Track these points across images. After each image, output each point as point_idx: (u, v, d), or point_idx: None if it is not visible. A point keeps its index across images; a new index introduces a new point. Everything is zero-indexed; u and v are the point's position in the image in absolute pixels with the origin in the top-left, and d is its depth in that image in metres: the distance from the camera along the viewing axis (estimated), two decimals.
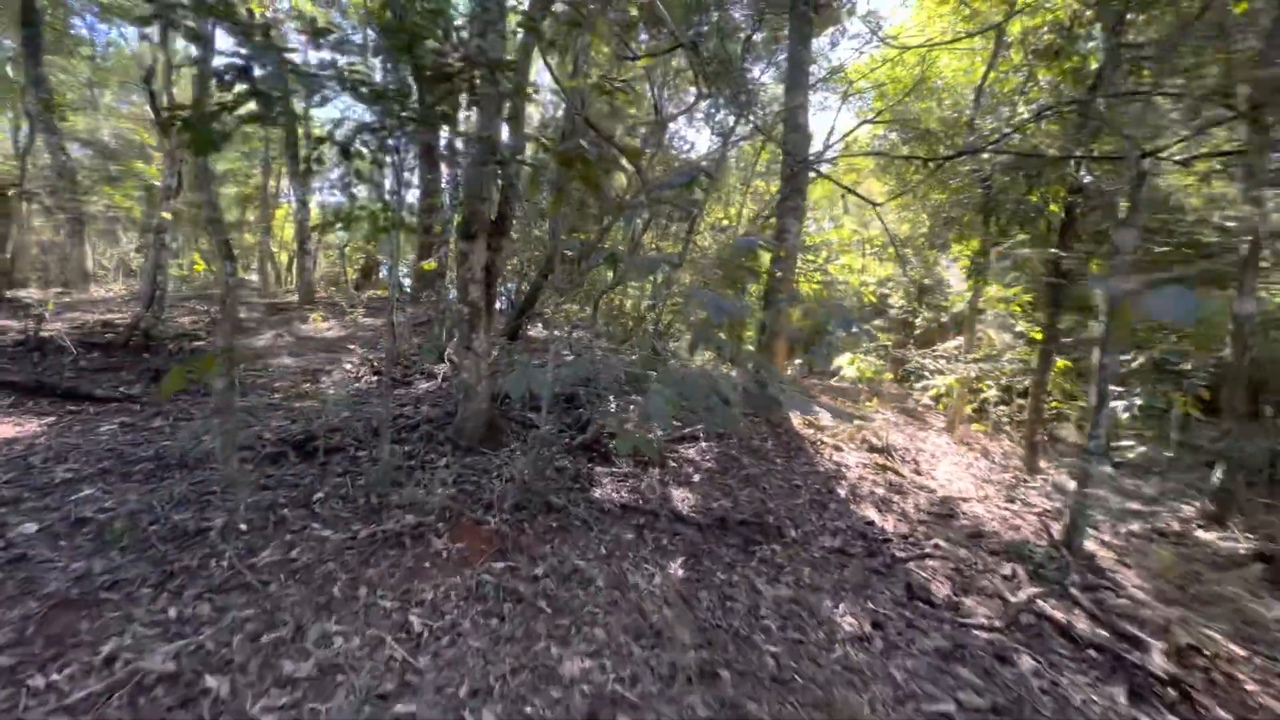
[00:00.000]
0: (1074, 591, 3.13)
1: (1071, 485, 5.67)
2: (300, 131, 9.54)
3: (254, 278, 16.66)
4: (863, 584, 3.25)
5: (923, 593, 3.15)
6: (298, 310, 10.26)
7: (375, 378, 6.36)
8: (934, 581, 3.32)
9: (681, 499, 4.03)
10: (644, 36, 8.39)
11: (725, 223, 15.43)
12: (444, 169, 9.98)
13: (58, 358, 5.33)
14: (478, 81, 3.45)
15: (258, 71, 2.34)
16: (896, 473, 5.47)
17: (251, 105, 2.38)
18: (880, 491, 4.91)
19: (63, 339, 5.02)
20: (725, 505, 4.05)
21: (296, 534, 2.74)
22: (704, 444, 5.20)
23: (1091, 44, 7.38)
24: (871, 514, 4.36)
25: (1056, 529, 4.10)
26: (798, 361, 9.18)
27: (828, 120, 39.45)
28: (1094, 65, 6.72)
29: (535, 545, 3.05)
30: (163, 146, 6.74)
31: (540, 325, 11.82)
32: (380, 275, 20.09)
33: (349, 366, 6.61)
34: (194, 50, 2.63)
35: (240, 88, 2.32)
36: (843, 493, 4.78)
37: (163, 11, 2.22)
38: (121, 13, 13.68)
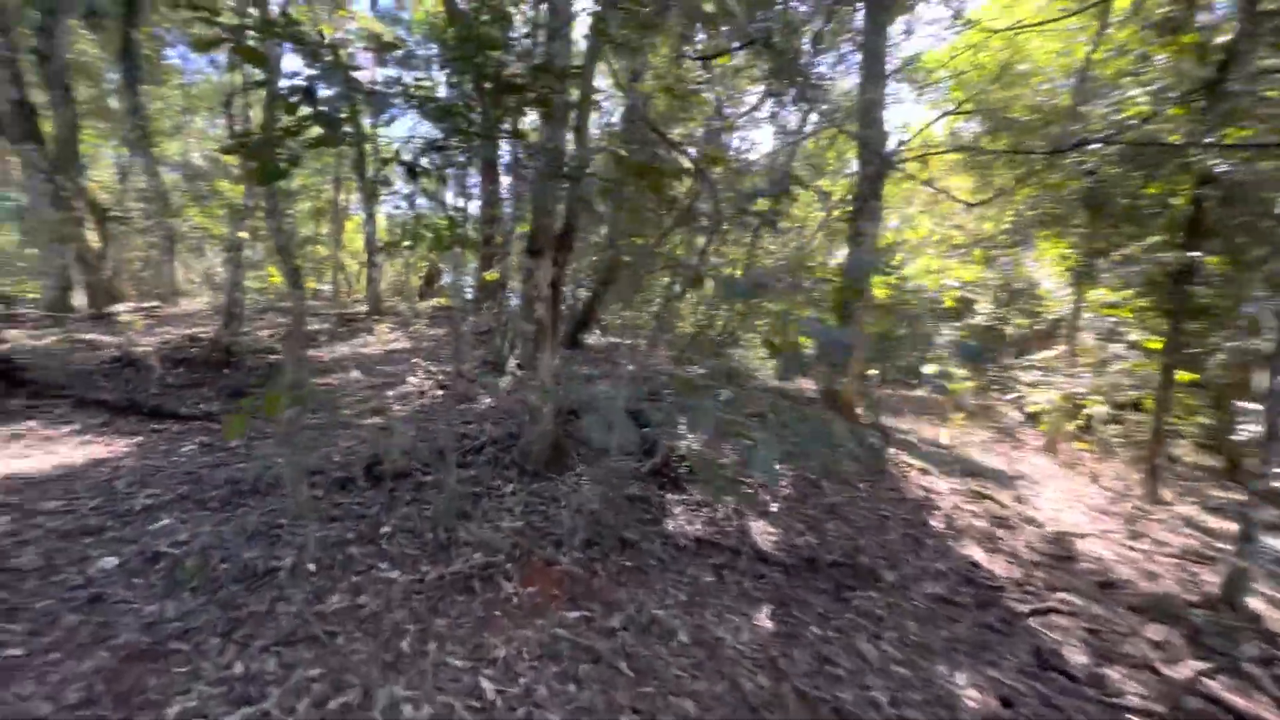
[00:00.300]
0: (1249, 667, 2.61)
1: (1210, 521, 4.97)
2: (368, 149, 9.80)
3: (326, 288, 17.41)
4: (980, 644, 2.84)
5: (1056, 660, 2.72)
6: (365, 321, 10.55)
7: (440, 392, 6.34)
8: (1066, 646, 2.87)
9: (762, 533, 3.71)
10: (701, 35, 8.10)
11: (790, 225, 14.88)
12: (504, 180, 10.00)
13: (147, 374, 5.55)
14: (546, 91, 3.27)
15: (323, 92, 2.21)
16: (996, 501, 4.93)
17: (317, 129, 2.26)
18: (981, 525, 4.41)
19: (149, 359, 5.22)
20: (810, 541, 3.69)
21: (364, 575, 2.61)
22: (778, 466, 4.84)
23: (1216, 15, 6.53)
24: (976, 553, 3.89)
25: (1208, 579, 3.52)
26: (872, 371, 8.63)
27: (901, 113, 37.75)
28: (1223, 40, 5.91)
29: (610, 589, 2.82)
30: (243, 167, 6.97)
31: (598, 332, 11.70)
32: (443, 283, 20.67)
33: (414, 380, 6.64)
34: (260, 74, 2.56)
35: (305, 111, 2.20)
36: (938, 525, 4.32)
37: (230, 35, 2.12)
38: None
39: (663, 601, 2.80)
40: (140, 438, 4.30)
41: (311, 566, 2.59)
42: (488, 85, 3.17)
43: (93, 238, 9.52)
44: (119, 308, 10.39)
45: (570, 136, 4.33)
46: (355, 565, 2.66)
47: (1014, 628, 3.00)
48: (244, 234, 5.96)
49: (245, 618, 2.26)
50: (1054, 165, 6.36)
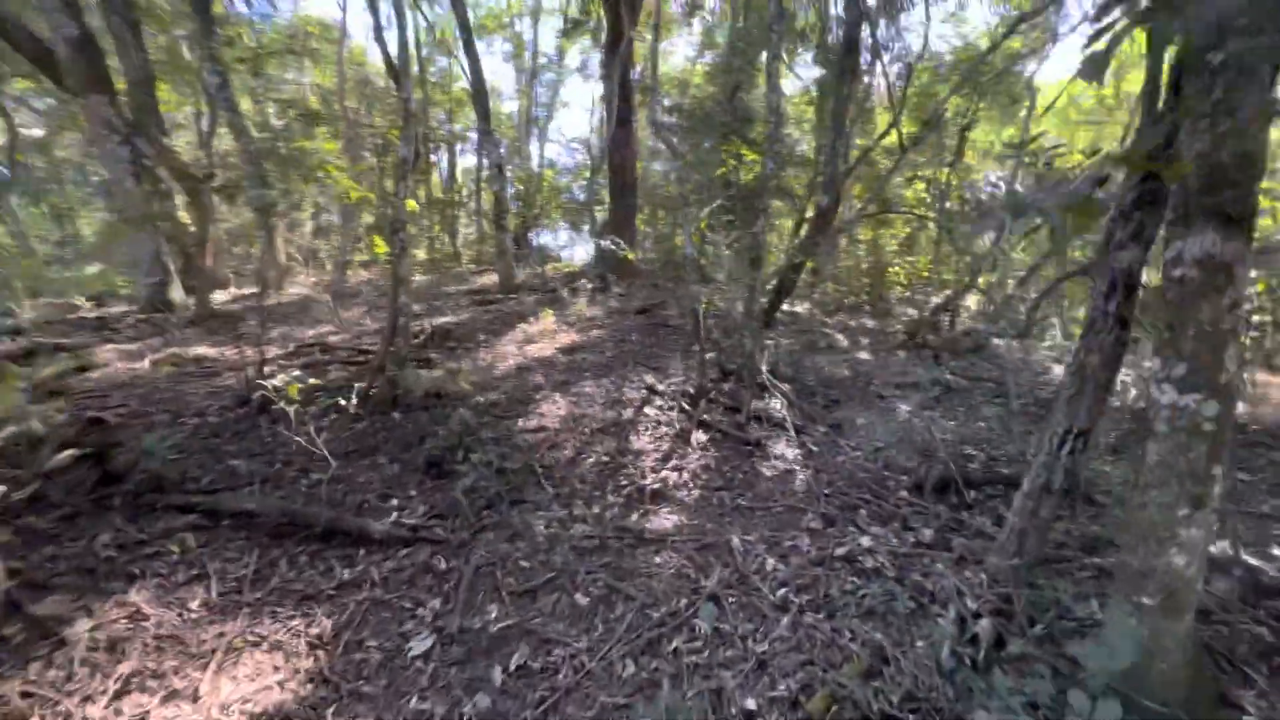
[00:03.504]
0: None
1: None
2: None
3: (420, 254, 15.49)
4: None
5: None
6: (506, 302, 8.45)
7: (703, 436, 4.11)
8: None
9: None
10: None
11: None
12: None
13: (289, 428, 3.55)
14: None
15: None
16: None
17: None
18: None
19: (288, 402, 3.13)
20: None
21: None
22: None
23: None
24: None
25: None
26: None
27: None
28: None
29: None
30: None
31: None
32: (534, 242, 18.38)
33: (653, 413, 4.44)
34: None
35: None
36: None
37: None
38: None
39: None
40: (328, 615, 2.27)
41: None
42: None
43: (185, 215, 7.75)
44: (220, 297, 8.77)
45: None
46: None
47: None
48: (412, 204, 3.77)
49: None
50: None
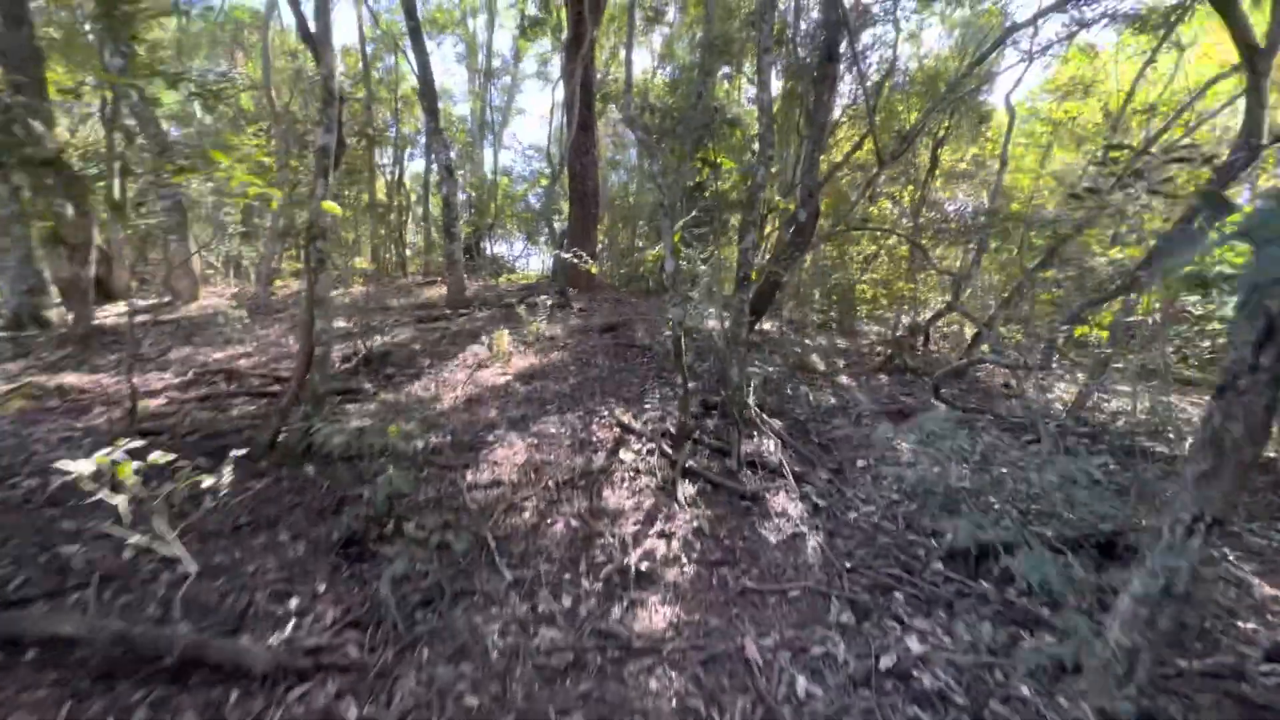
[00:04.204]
0: None
1: None
2: None
3: (363, 264, 14.33)
4: None
5: None
6: (454, 318, 7.59)
7: (690, 485, 3.44)
8: None
9: None
10: None
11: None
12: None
13: (166, 494, 2.68)
14: None
15: None
16: None
17: None
18: None
19: (110, 488, 2.26)
20: None
21: None
22: None
23: None
24: None
25: None
26: None
27: None
28: None
29: None
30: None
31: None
32: (489, 253, 17.39)
33: (628, 457, 3.75)
34: None
35: None
36: None
37: None
38: None
39: None
40: None
41: None
42: None
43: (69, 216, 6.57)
44: (112, 310, 7.55)
45: None
46: None
47: None
48: (332, 206, 2.98)
49: None
50: None
